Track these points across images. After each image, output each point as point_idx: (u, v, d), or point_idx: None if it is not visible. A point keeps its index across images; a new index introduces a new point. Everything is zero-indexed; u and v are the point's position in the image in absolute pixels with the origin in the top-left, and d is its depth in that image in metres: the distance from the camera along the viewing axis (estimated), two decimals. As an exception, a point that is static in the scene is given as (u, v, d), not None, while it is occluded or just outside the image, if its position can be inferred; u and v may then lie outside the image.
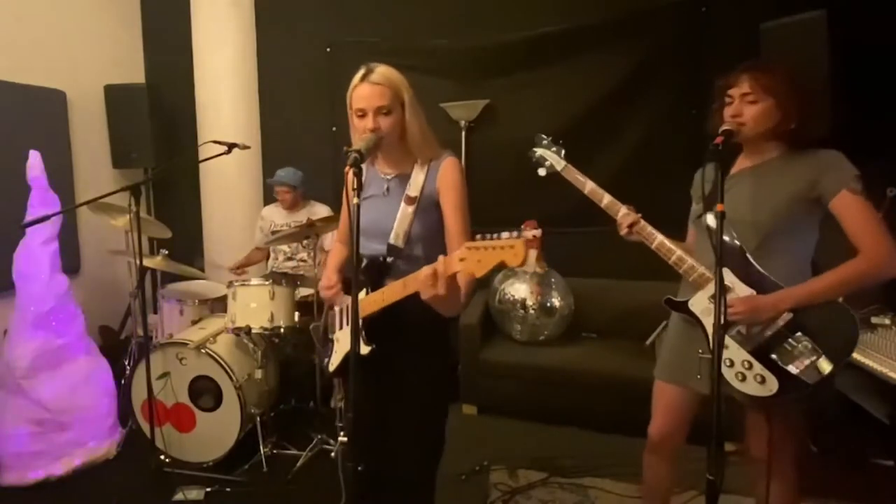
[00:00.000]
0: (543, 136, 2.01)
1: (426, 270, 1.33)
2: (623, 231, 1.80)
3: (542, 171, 1.97)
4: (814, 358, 1.47)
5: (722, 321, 1.28)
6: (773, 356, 1.51)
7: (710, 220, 1.54)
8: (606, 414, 2.99)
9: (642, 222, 1.77)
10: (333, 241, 2.02)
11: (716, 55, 3.31)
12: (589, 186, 1.87)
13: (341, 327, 1.76)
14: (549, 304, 3.32)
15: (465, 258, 1.26)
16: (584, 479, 2.59)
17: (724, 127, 1.56)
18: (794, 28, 2.58)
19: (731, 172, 1.68)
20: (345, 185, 1.72)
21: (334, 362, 1.77)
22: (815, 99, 1.55)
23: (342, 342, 1.74)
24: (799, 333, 1.49)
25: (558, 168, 1.94)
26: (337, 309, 1.79)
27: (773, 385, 1.50)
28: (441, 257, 1.35)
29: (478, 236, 1.26)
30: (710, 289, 1.60)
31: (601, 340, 3.41)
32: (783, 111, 1.55)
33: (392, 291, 1.50)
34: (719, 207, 1.37)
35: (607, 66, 3.55)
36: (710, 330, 1.60)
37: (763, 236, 1.57)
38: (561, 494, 2.51)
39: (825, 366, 1.45)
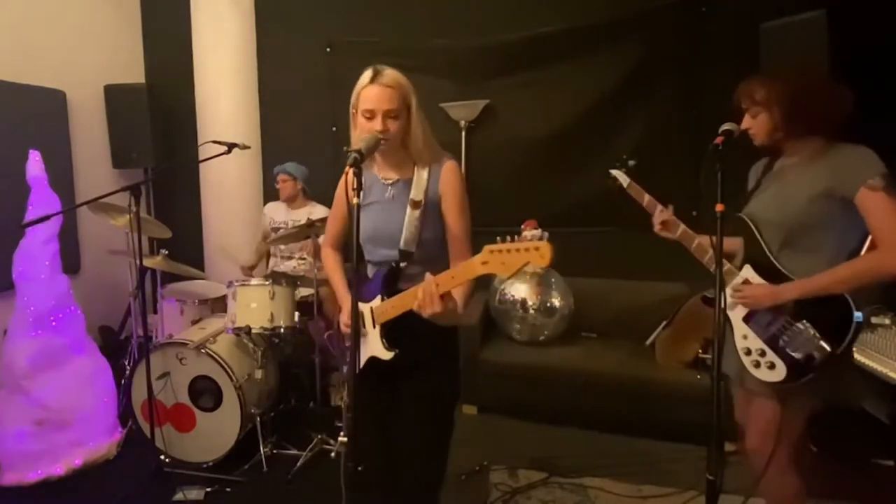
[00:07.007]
0: (627, 158, 2.15)
1: (420, 290, 1.37)
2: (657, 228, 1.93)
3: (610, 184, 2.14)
4: (815, 343, 1.54)
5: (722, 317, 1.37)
6: (782, 344, 1.60)
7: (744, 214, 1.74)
8: (606, 414, 2.98)
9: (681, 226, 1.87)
10: (324, 246, 1.89)
11: (716, 55, 3.32)
12: (646, 199, 1.98)
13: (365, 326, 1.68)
14: (549, 304, 3.31)
15: (487, 261, 1.29)
16: (584, 479, 2.59)
17: (724, 126, 1.59)
18: (794, 28, 2.59)
19: (772, 170, 1.76)
20: (344, 186, 1.72)
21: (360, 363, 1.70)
22: (812, 99, 1.58)
23: (368, 342, 1.67)
24: (805, 322, 1.57)
25: (624, 184, 2.06)
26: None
27: (781, 371, 1.59)
28: (429, 276, 1.38)
29: (497, 238, 1.27)
30: (733, 283, 1.72)
31: (601, 340, 3.41)
32: (773, 122, 1.62)
33: (407, 299, 1.49)
34: (719, 207, 1.43)
35: (607, 66, 3.55)
36: (733, 320, 1.71)
37: (785, 235, 1.63)
38: (561, 494, 2.51)
39: (824, 349, 1.53)
